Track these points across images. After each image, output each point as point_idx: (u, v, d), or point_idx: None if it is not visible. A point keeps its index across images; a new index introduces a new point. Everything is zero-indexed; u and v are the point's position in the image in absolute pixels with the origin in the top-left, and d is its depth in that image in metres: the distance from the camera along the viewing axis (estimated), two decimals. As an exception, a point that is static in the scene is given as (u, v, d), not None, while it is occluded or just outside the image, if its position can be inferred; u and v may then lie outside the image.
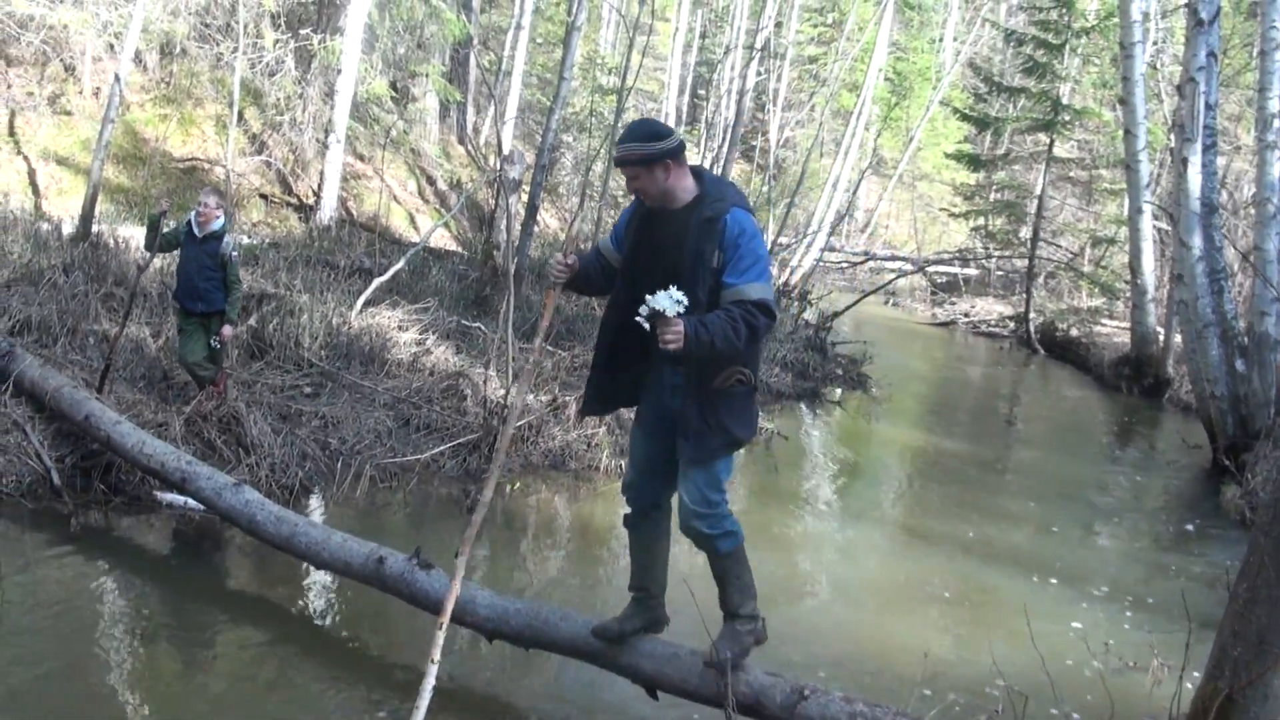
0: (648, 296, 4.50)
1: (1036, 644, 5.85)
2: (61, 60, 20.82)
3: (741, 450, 5.64)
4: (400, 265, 14.18)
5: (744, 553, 5.21)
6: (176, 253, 9.61)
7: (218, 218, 9.29)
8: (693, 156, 32.38)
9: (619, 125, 18.18)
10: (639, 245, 5.03)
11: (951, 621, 7.82)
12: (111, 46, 20.48)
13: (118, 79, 15.63)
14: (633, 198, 5.09)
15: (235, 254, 9.32)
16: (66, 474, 8.29)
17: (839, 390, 16.20)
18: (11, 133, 19.28)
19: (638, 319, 4.56)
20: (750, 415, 5.05)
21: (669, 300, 4.46)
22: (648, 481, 5.30)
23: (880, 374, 17.24)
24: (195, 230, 9.26)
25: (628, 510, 5.43)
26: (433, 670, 4.97)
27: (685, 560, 8.29)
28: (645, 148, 4.80)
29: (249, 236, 17.37)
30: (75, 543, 7.52)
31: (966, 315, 28.30)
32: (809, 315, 20.43)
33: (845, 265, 32.84)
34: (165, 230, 9.36)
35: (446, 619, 4.99)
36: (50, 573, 7.14)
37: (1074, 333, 23.99)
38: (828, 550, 9.50)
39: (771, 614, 7.55)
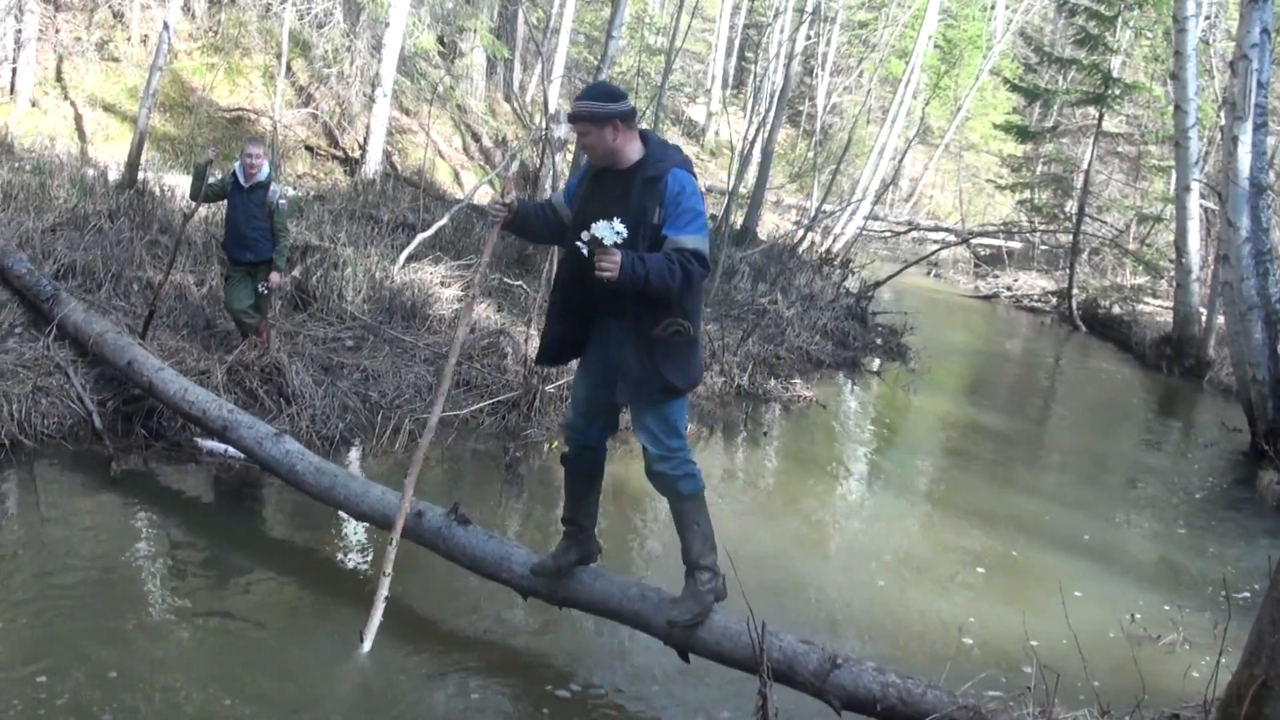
0: (593, 224, 4.84)
1: (1069, 621, 5.83)
2: (110, 7, 20.90)
3: (777, 415, 5.68)
4: (444, 222, 14.17)
5: (704, 500, 5.44)
6: (223, 203, 9.68)
7: (263, 167, 9.34)
8: (739, 121, 32.29)
9: (666, 86, 18.11)
10: (588, 202, 5.25)
11: (983, 595, 7.80)
12: (160, -8, 20.52)
13: (166, 26, 15.67)
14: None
15: (282, 202, 9.36)
16: (108, 418, 8.38)
17: (878, 360, 16.13)
18: (59, 78, 19.39)
19: (578, 244, 4.99)
20: (689, 366, 5.27)
21: (609, 230, 4.81)
22: (586, 423, 5.57)
23: (920, 345, 17.12)
24: (241, 180, 9.32)
25: (565, 449, 5.71)
26: (385, 582, 5.61)
27: (730, 528, 8.32)
28: (599, 106, 5.09)
29: (294, 188, 17.42)
30: (115, 486, 7.61)
31: (1009, 289, 28.00)
32: (850, 284, 20.34)
33: (888, 234, 32.60)
34: (211, 180, 9.42)
35: (397, 535, 5.74)
36: (89, 515, 7.23)
37: (1116, 310, 23.77)
38: (860, 520, 9.49)
39: (803, 582, 7.64)
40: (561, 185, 7.78)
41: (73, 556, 6.53)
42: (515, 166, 22.07)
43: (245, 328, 9.56)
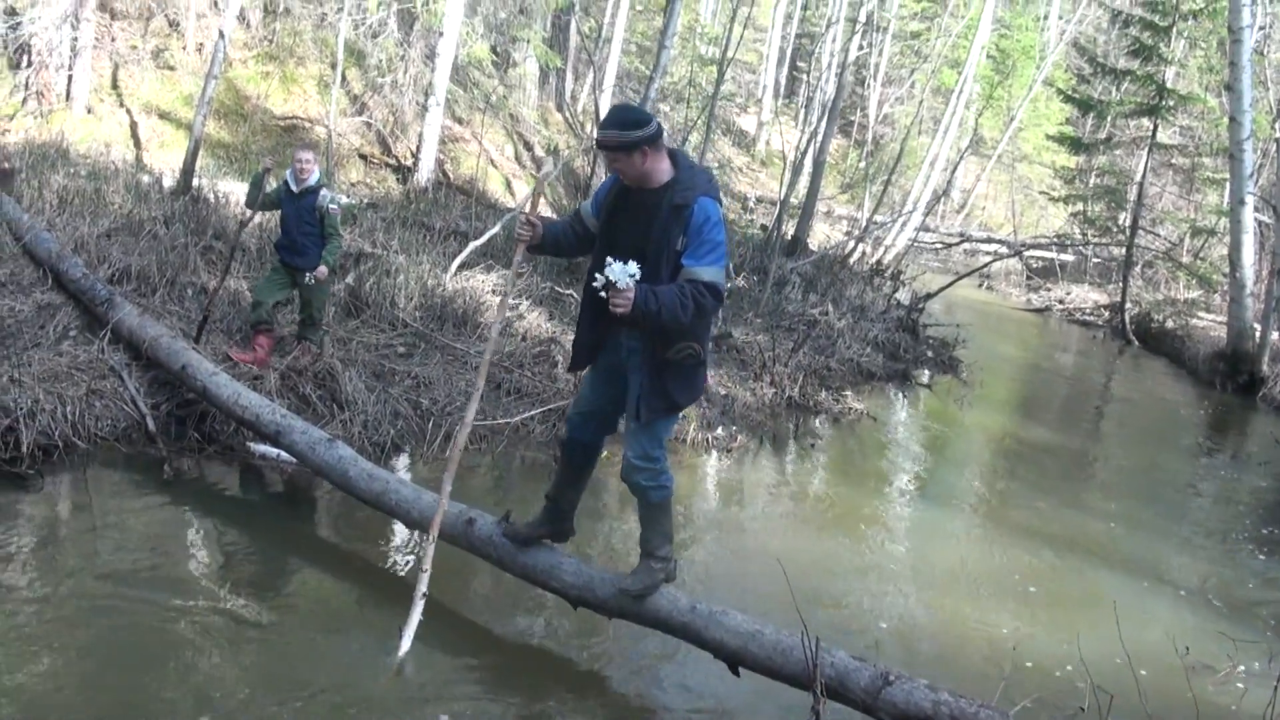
0: (607, 263, 4.96)
1: (1123, 644, 5.76)
2: (166, 15, 21.12)
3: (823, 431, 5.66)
4: (495, 230, 14.20)
5: (670, 504, 5.76)
6: (278, 211, 9.79)
7: (314, 172, 9.47)
8: (790, 131, 32.23)
9: (718, 96, 18.09)
10: (615, 215, 5.42)
11: (1034, 613, 7.71)
12: (216, 3, 20.78)
13: (222, 35, 15.82)
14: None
15: (333, 207, 9.44)
16: (161, 421, 8.44)
17: (928, 373, 16.03)
18: (114, 86, 19.61)
19: (593, 285, 5.05)
20: (694, 385, 5.52)
21: (621, 273, 4.92)
22: (588, 422, 5.82)
23: (971, 358, 16.99)
24: (293, 185, 9.47)
25: (564, 437, 5.99)
26: (423, 579, 5.75)
27: (778, 542, 8.31)
28: (625, 135, 5.17)
29: (348, 195, 17.52)
30: (167, 488, 7.67)
31: (1061, 302, 27.72)
32: (901, 295, 20.23)
33: (940, 246, 32.38)
34: (268, 189, 9.55)
35: (435, 532, 5.89)
36: (141, 516, 7.28)
37: (1170, 324, 23.50)
38: (910, 534, 9.40)
39: (852, 596, 7.60)
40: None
41: (124, 557, 6.59)
42: (553, 176, 22.07)
43: (259, 323, 9.58)
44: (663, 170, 5.27)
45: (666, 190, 5.22)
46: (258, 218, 11.16)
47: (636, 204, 5.32)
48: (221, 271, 10.05)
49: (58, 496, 7.40)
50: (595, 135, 5.48)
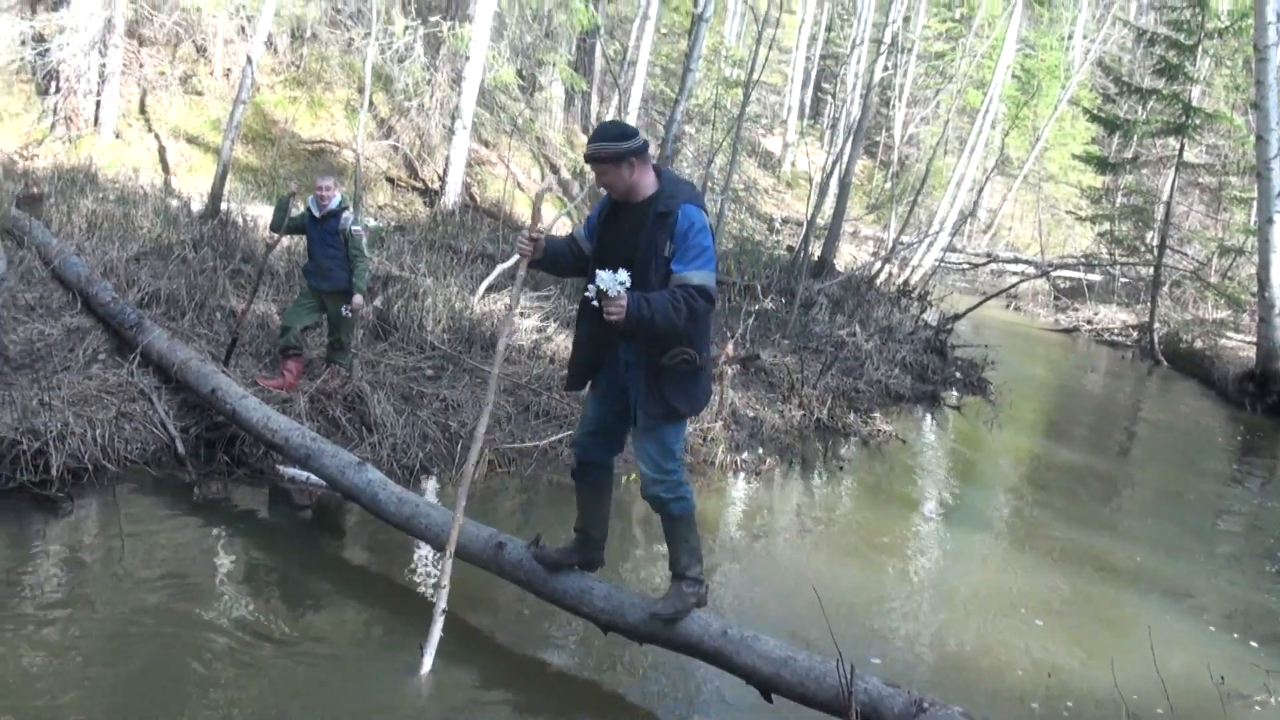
0: (598, 273, 5.08)
1: (1158, 670, 5.69)
2: (193, 41, 21.28)
3: (855, 451, 5.64)
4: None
5: (694, 518, 5.76)
6: (305, 235, 9.87)
7: (334, 197, 9.57)
8: (816, 153, 32.19)
9: (743, 118, 18.10)
10: (606, 233, 5.57)
11: (1066, 638, 7.62)
12: (243, 29, 20.92)
13: (249, 61, 15.94)
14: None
15: (356, 229, 9.50)
16: (190, 444, 8.47)
17: (957, 394, 15.95)
18: (142, 111, 19.75)
19: (586, 295, 5.26)
20: (693, 392, 5.55)
21: (612, 280, 5.03)
22: (594, 440, 5.86)
23: (1000, 380, 16.90)
24: (315, 211, 9.58)
25: (574, 465, 6.00)
26: (442, 595, 5.72)
27: (808, 565, 8.26)
28: (613, 146, 5.36)
29: (375, 218, 17.59)
30: (196, 511, 7.72)
31: (1089, 322, 27.58)
32: (929, 316, 20.16)
33: (966, 266, 32.31)
34: (294, 213, 9.62)
35: (452, 547, 5.87)
36: (170, 538, 7.32)
37: (1198, 345, 23.33)
38: (941, 558, 9.32)
39: (884, 620, 7.55)
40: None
41: (152, 579, 6.62)
42: (550, 191, 22.11)
43: (288, 349, 9.65)
44: (648, 183, 5.44)
45: (652, 201, 5.39)
46: (285, 240, 11.23)
47: (625, 218, 5.48)
48: (249, 295, 10.10)
49: (87, 519, 7.43)
50: (584, 151, 5.58)
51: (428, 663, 5.66)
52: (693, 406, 5.62)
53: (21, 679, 5.31)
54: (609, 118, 28.85)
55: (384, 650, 6.05)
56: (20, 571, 6.57)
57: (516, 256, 5.75)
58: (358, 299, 9.54)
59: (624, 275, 5.06)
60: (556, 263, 5.79)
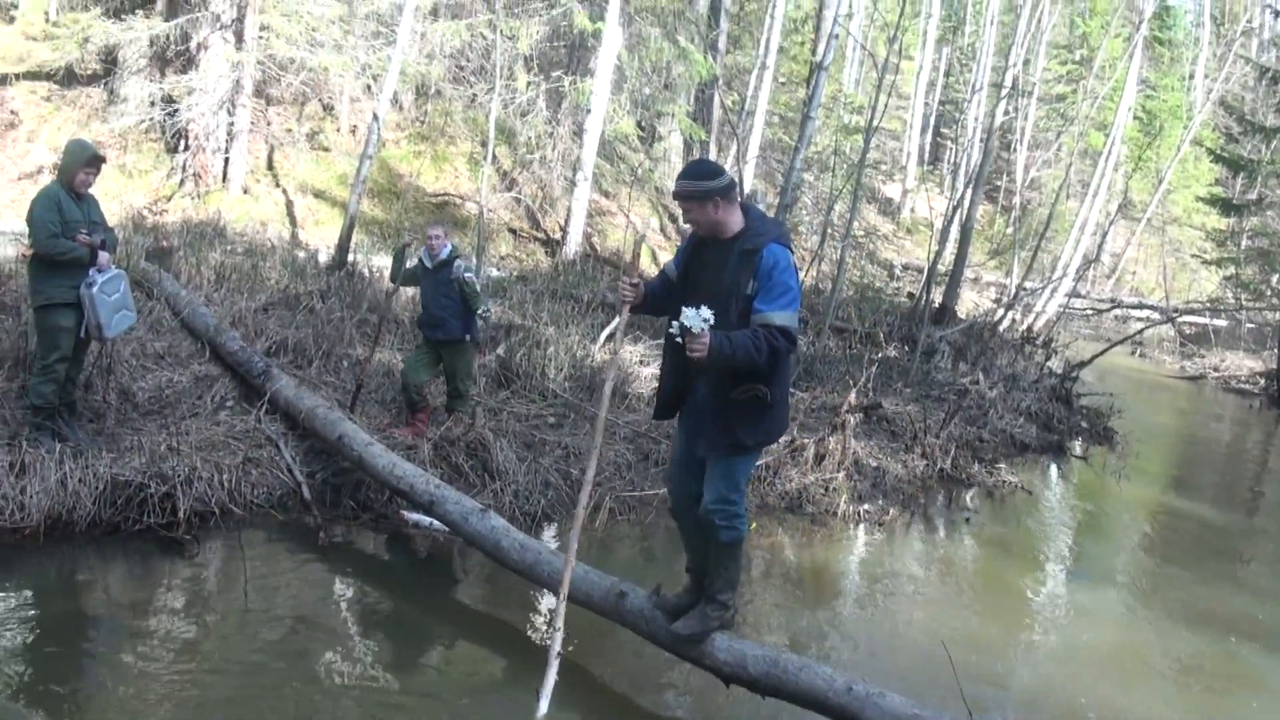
0: (683, 310, 5.12)
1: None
2: (320, 100, 21.79)
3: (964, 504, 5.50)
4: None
5: (740, 549, 5.84)
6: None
7: (446, 245, 9.73)
8: (936, 198, 31.88)
9: (864, 164, 18.01)
10: (691, 268, 5.69)
11: (1187, 698, 7.37)
12: (369, 87, 21.39)
13: (376, 118, 16.24)
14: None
15: (468, 274, 9.64)
16: (316, 489, 8.59)
17: (1082, 444, 15.60)
18: (270, 167, 20.26)
19: (670, 331, 5.28)
20: (761, 425, 5.57)
21: (696, 318, 5.08)
22: (681, 473, 5.93)
23: (1126, 429, 16.49)
24: (427, 262, 9.75)
25: (670, 503, 6.17)
26: (557, 638, 5.61)
27: (930, 619, 8.11)
28: (699, 185, 5.44)
29: (497, 269, 17.78)
30: (321, 555, 7.83)
31: (1215, 370, 26.80)
32: (1053, 364, 19.79)
33: (1090, 312, 31.75)
34: (410, 264, 9.81)
35: (565, 589, 5.75)
36: (293, 579, 7.44)
37: (1329, 392, 22.59)
38: (1065, 613, 9.03)
39: (1007, 676, 7.35)
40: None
41: (273, 620, 6.74)
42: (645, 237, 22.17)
43: (414, 404, 9.83)
44: (734, 221, 5.49)
45: (737, 239, 5.45)
46: (411, 291, 11.40)
47: (710, 254, 5.56)
48: (370, 343, 10.21)
49: (212, 561, 7.55)
50: (673, 188, 5.71)
51: (543, 707, 5.64)
52: (758, 439, 5.67)
53: (143, 712, 5.43)
54: (728, 167, 28.93)
55: (499, 693, 6.09)
56: (147, 610, 6.73)
57: (623, 305, 5.76)
58: (487, 312, 9.69)
59: (707, 312, 5.10)
60: (655, 303, 5.84)
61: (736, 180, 5.65)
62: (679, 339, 5.18)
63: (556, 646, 5.69)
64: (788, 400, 5.85)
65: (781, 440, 10.89)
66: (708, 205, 5.43)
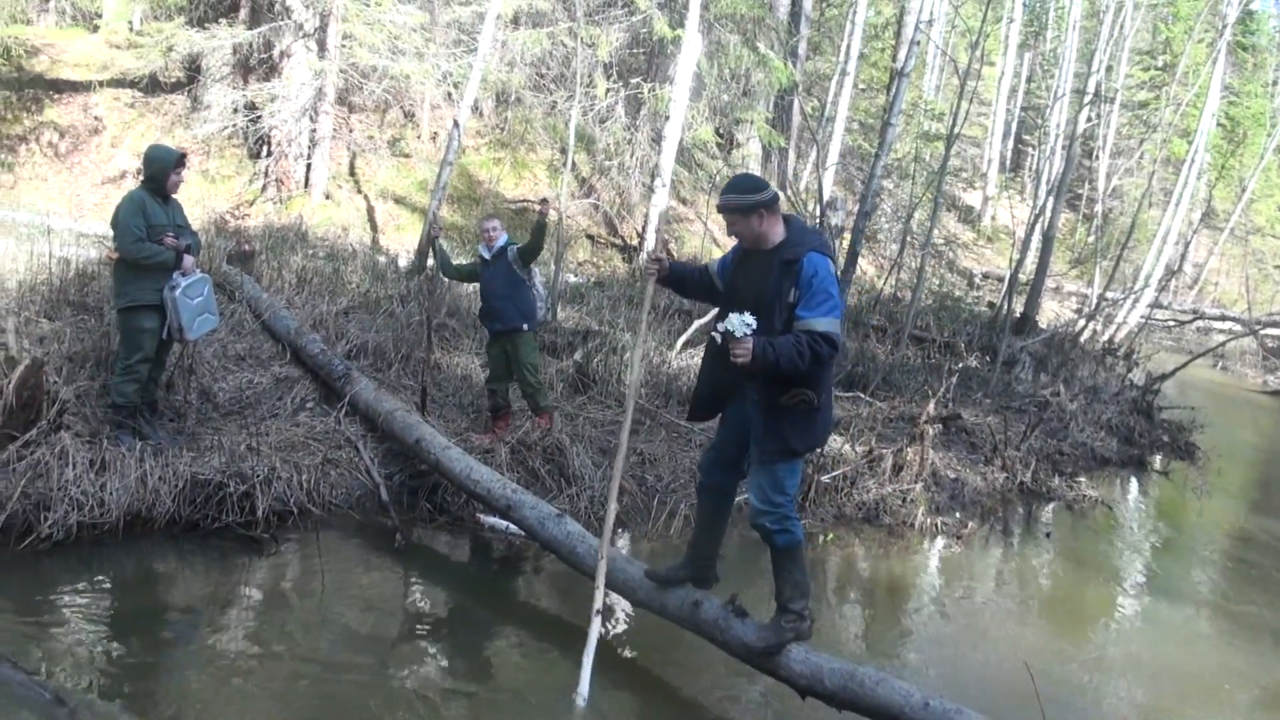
0: (728, 316, 5.32)
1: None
2: (401, 108, 21.97)
3: (1050, 515, 5.44)
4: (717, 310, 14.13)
5: (800, 553, 5.91)
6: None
7: (501, 235, 9.89)
8: (1017, 207, 31.53)
9: (944, 172, 17.88)
10: (735, 277, 5.85)
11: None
12: (450, 95, 21.54)
13: (456, 125, 16.36)
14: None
15: (513, 246, 9.80)
16: (394, 491, 8.64)
17: (1163, 459, 15.35)
18: (352, 173, 20.47)
19: (713, 334, 5.59)
20: (809, 431, 5.70)
21: (740, 323, 5.27)
22: (715, 463, 6.16)
23: (1208, 444, 16.19)
24: (485, 255, 9.89)
25: (698, 481, 6.39)
26: (596, 621, 5.91)
27: (1008, 634, 8.02)
28: (743, 199, 5.61)
29: (574, 275, 17.83)
30: (397, 556, 7.89)
31: (1299, 384, 26.37)
32: (1135, 376, 19.51)
33: (1172, 324, 31.26)
34: (454, 258, 9.99)
35: (601, 579, 6.10)
36: (368, 579, 7.52)
37: None
38: (1146, 632, 8.87)
39: (1088, 697, 7.22)
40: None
41: (348, 619, 6.80)
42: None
43: (497, 408, 9.93)
44: (776, 233, 5.66)
45: (779, 249, 5.61)
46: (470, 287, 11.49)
47: (753, 264, 5.72)
48: (427, 345, 10.13)
49: (290, 560, 7.65)
50: (716, 202, 5.86)
51: (584, 689, 5.81)
52: (808, 445, 5.79)
53: (219, 707, 5.52)
54: (806, 174, 28.88)
55: (570, 697, 6.02)
56: (224, 607, 6.83)
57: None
58: (548, 211, 9.78)
59: (750, 319, 5.28)
60: (683, 284, 6.16)
61: (779, 193, 5.81)
62: (721, 342, 5.42)
63: (594, 632, 5.95)
64: (831, 406, 5.93)
65: (859, 450, 10.85)
66: (752, 218, 5.61)
